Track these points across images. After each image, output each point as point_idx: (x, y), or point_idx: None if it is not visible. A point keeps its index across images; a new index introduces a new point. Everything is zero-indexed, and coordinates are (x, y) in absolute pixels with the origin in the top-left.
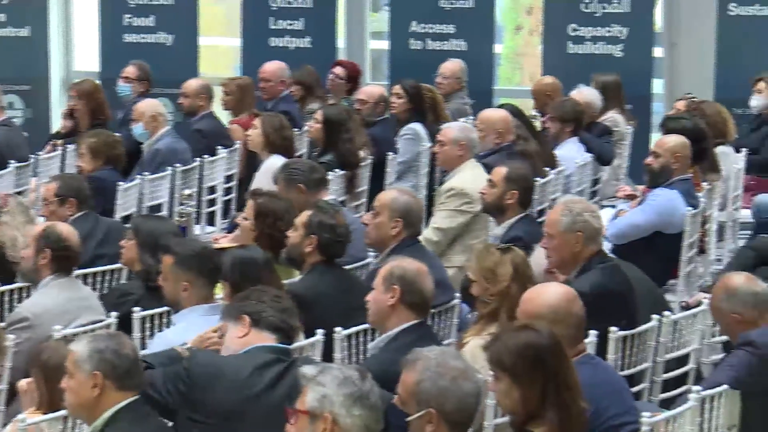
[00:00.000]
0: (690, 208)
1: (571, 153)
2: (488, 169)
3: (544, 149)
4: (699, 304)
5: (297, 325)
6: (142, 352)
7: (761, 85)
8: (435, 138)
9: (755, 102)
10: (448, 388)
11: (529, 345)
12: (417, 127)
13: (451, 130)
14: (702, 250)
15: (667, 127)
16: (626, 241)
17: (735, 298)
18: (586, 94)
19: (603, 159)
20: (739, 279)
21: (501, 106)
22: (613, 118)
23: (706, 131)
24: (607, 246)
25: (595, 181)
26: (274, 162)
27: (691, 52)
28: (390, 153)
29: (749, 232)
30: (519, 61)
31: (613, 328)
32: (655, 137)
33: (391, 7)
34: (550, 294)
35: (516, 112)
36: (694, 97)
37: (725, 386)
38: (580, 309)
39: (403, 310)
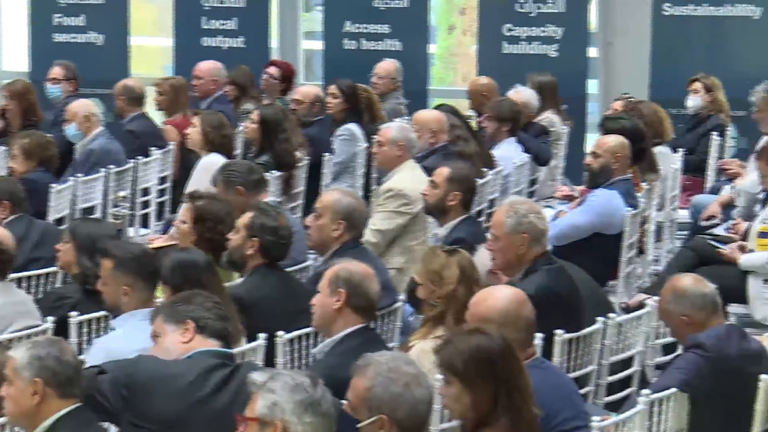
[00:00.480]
0: (630, 209)
1: (509, 153)
2: (425, 169)
3: (483, 150)
4: (639, 305)
5: (239, 330)
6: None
7: (697, 85)
8: (371, 138)
9: (691, 102)
10: (401, 394)
11: (480, 349)
12: (353, 127)
13: (389, 130)
14: (641, 251)
15: (606, 127)
16: (566, 242)
17: (683, 299)
18: (523, 94)
19: (540, 159)
20: (688, 280)
21: (438, 107)
22: (549, 118)
23: (645, 131)
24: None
25: (533, 182)
26: (212, 160)
27: (626, 52)
28: (326, 154)
29: (686, 232)
30: (452, 61)
31: (558, 331)
32: (591, 137)
33: (325, 7)
34: (499, 297)
35: (455, 113)
36: (631, 97)
37: (674, 389)
38: (530, 312)
39: (349, 314)
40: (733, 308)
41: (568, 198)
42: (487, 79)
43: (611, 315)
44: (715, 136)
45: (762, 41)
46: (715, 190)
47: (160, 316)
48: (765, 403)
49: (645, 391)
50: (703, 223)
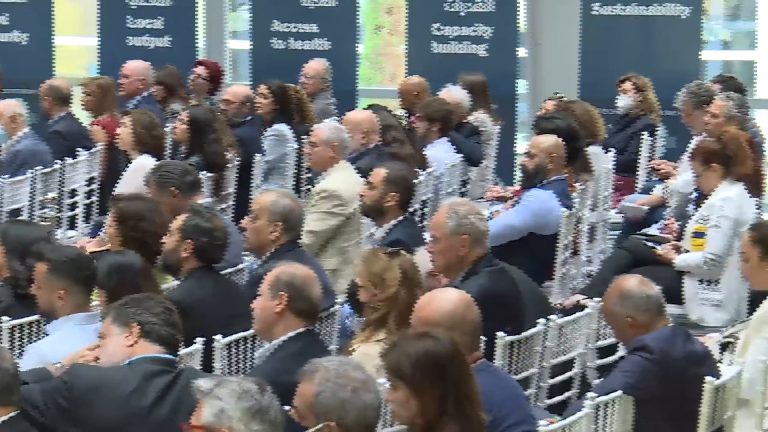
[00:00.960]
0: (565, 209)
1: (441, 154)
2: (358, 170)
3: (416, 151)
4: (574, 306)
5: (181, 339)
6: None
7: (627, 85)
8: (301, 139)
9: (622, 102)
10: (349, 400)
11: (429, 353)
12: (283, 128)
13: (322, 130)
14: (575, 252)
15: (540, 127)
16: (502, 242)
17: (629, 301)
18: (454, 93)
19: (472, 160)
20: (633, 282)
21: (369, 107)
22: (479, 118)
23: (580, 131)
24: None
25: (464, 182)
26: (144, 162)
27: (555, 51)
28: (257, 154)
29: (618, 232)
30: (379, 61)
31: (500, 334)
32: (522, 138)
33: (253, 6)
34: (445, 300)
35: (390, 114)
36: (563, 97)
37: (619, 392)
38: (477, 315)
39: (290, 318)
40: (669, 309)
41: (501, 199)
42: (419, 79)
43: (552, 317)
44: (645, 136)
45: (691, 40)
46: (647, 190)
47: (108, 317)
48: (710, 405)
49: (590, 394)
50: (629, 216)
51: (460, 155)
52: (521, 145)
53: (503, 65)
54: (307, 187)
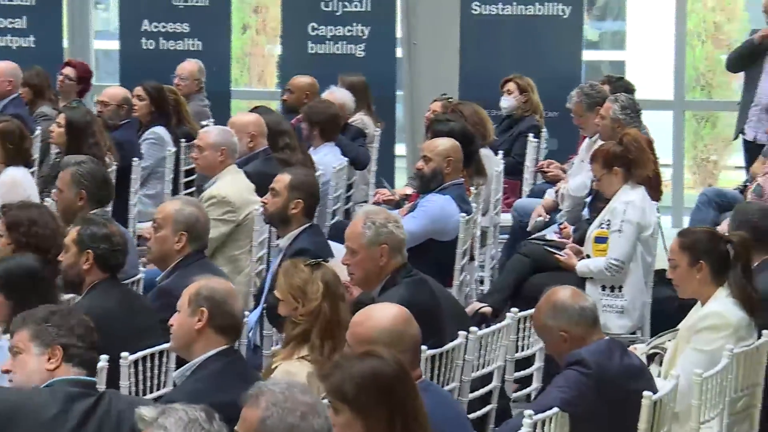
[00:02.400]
0: (464, 214)
1: (328, 157)
2: (245, 175)
3: (306, 156)
4: (475, 313)
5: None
6: None
7: (511, 86)
8: (179, 142)
9: (505, 103)
10: (298, 426)
11: (375, 374)
12: (160, 130)
13: (209, 134)
14: (471, 257)
15: (434, 130)
16: None
17: (562, 314)
18: (338, 95)
19: (358, 163)
20: (566, 293)
21: (254, 109)
22: (361, 120)
23: (474, 133)
24: None
25: (350, 186)
26: (15, 175)
27: (434, 52)
28: (135, 158)
29: (506, 236)
30: (246, 62)
31: (422, 347)
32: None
33: (121, 5)
34: (384, 315)
35: (280, 118)
36: (450, 98)
37: (555, 409)
38: (417, 330)
39: (211, 335)
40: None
41: (388, 202)
42: (309, 79)
43: (472, 328)
44: (531, 138)
45: (572, 40)
46: (537, 193)
47: (25, 330)
48: (647, 421)
49: (528, 412)
50: (530, 228)
51: (345, 158)
52: (399, 147)
53: (381, 66)
54: (187, 191)
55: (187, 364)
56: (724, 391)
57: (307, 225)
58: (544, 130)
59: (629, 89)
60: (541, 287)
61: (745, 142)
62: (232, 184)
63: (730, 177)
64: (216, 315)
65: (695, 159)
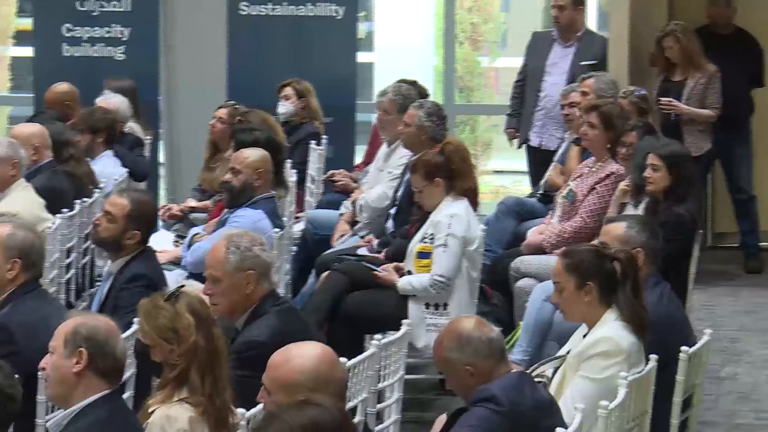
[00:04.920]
0: (277, 230)
1: (108, 168)
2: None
3: (89, 168)
4: None
5: None
6: None
7: (288, 90)
8: None
9: (283, 109)
10: None
11: (316, 424)
12: None
13: None
14: None
15: (239, 140)
16: None
17: (468, 347)
18: (113, 101)
19: (137, 174)
20: (469, 324)
21: (33, 118)
22: (130, 127)
23: (281, 143)
24: (184, 275)
25: None
26: None
27: (198, 54)
28: None
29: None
30: None
31: None
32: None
33: None
34: (307, 356)
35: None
36: (236, 105)
37: None
38: (343, 373)
39: (92, 378)
40: (392, 336)
41: (175, 217)
42: (68, 86)
43: (341, 359)
44: (313, 145)
45: (346, 42)
46: (326, 204)
47: None
48: None
49: None
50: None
51: (126, 169)
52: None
53: (143, 69)
54: None
55: (64, 412)
56: (622, 423)
57: (141, 249)
58: (325, 136)
59: (423, 94)
60: (359, 306)
61: (529, 148)
62: (22, 201)
63: (487, 182)
64: (97, 357)
65: None
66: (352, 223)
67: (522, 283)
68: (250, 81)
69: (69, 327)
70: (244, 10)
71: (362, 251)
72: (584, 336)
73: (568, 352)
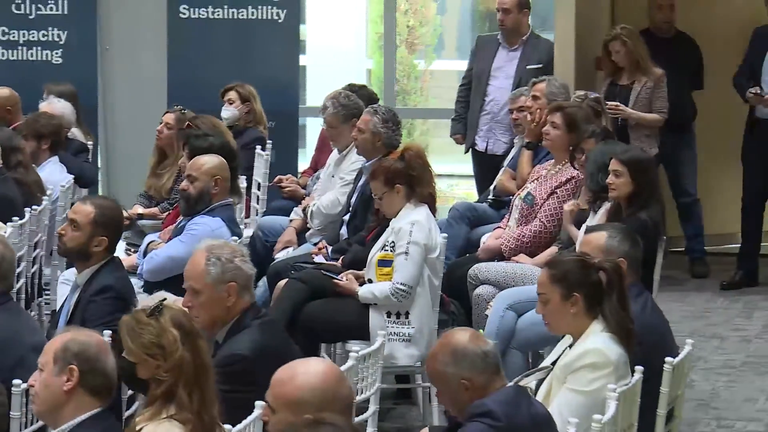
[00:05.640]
0: (235, 238)
1: (55, 175)
2: None
3: (37, 175)
4: None
5: None
6: None
7: (232, 95)
8: None
9: (227, 114)
10: None
11: None
12: None
13: None
14: None
15: (192, 146)
16: (163, 276)
17: (464, 361)
18: (57, 106)
19: (84, 180)
20: (463, 337)
21: None
22: (72, 132)
23: (234, 150)
24: (139, 284)
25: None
26: None
27: (137, 58)
28: None
29: None
30: None
31: None
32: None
33: None
34: (312, 373)
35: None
36: (184, 110)
37: None
38: (349, 390)
39: (83, 396)
40: (353, 345)
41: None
42: (8, 91)
43: None
44: (259, 150)
45: (289, 45)
46: (278, 210)
47: None
48: None
49: None
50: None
51: (71, 175)
52: None
53: (81, 73)
54: None
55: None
56: None
57: (108, 259)
58: (270, 141)
59: (372, 98)
60: (320, 315)
61: (476, 152)
62: None
63: None
64: (88, 374)
65: None
66: (303, 230)
67: (480, 290)
68: (191, 85)
69: (59, 343)
70: (184, 13)
71: (319, 259)
72: (569, 347)
73: (553, 363)
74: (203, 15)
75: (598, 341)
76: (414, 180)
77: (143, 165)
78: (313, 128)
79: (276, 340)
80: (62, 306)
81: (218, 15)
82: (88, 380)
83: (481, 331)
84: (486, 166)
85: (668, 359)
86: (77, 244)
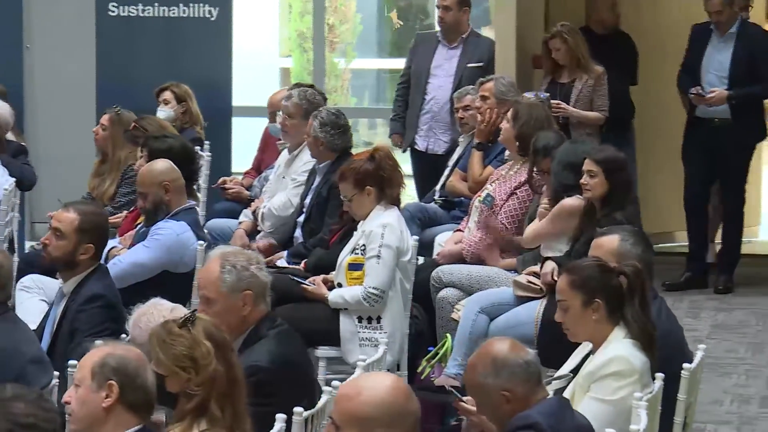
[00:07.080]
0: (201, 242)
1: None
2: None
3: None
4: None
5: None
6: None
7: (167, 95)
8: None
9: (163, 114)
10: None
11: None
12: None
13: None
14: None
15: (152, 149)
16: (128, 283)
17: (504, 371)
18: None
19: (24, 183)
20: (504, 346)
21: None
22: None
23: (193, 151)
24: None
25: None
26: None
27: (63, 56)
28: None
29: None
30: None
31: (297, 409)
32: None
33: None
34: (378, 388)
35: None
36: (119, 110)
37: None
38: (417, 406)
39: (122, 413)
40: (322, 351)
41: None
42: None
43: (335, 383)
44: (198, 151)
45: (221, 44)
46: (225, 212)
47: None
48: None
49: None
50: None
51: (13, 179)
52: None
53: (7, 72)
54: None
55: None
56: None
57: (94, 266)
58: (207, 142)
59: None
60: (289, 320)
61: (415, 152)
62: None
63: None
64: (127, 390)
65: None
66: (254, 232)
67: (444, 293)
68: (120, 85)
69: (96, 358)
70: (113, 11)
71: (281, 263)
72: (589, 354)
73: (572, 371)
74: (133, 13)
75: (621, 348)
76: (385, 181)
77: (70, 167)
78: (235, 128)
79: (294, 350)
80: (47, 316)
81: (149, 13)
82: (127, 396)
83: (448, 335)
84: (427, 166)
85: (686, 365)
86: (63, 253)
